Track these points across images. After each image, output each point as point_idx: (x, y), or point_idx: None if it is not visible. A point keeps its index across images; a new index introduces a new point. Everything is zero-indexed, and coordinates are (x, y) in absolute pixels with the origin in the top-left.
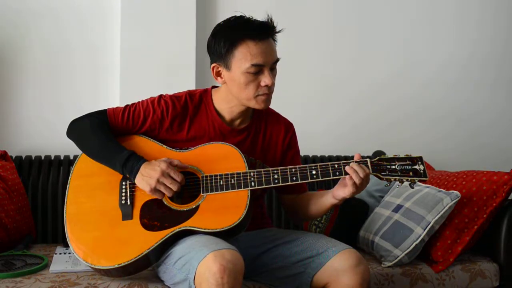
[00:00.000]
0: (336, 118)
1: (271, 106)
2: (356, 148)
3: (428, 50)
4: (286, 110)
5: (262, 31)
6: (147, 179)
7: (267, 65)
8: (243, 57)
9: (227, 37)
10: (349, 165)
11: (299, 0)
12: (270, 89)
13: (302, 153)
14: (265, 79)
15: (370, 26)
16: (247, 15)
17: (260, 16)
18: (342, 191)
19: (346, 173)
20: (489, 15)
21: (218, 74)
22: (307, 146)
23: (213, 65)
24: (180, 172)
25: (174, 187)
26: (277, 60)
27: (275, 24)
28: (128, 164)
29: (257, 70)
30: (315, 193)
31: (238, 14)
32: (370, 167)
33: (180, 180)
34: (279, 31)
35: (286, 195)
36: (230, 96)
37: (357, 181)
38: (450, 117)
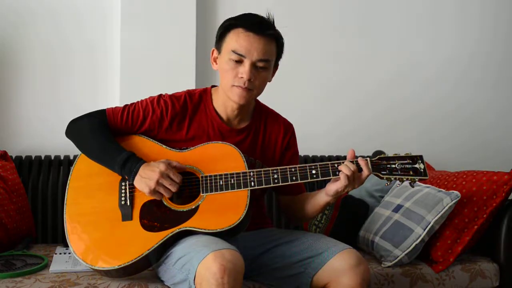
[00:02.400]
0: (336, 118)
1: (272, 106)
2: (356, 148)
3: (429, 51)
4: (287, 110)
5: (256, 25)
6: (146, 180)
7: (249, 58)
8: (230, 42)
9: (226, 23)
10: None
11: (301, 1)
12: (247, 84)
13: (302, 153)
14: (242, 71)
15: (371, 27)
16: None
17: None
18: (334, 185)
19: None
20: (490, 15)
21: (215, 59)
22: (307, 146)
23: (213, 49)
24: (179, 172)
25: (173, 188)
26: (264, 60)
27: (273, 23)
28: (127, 166)
29: (237, 59)
30: (310, 193)
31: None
32: (370, 166)
33: (179, 181)
34: (274, 30)
35: (284, 196)
36: (221, 89)
37: (348, 173)
38: (451, 117)
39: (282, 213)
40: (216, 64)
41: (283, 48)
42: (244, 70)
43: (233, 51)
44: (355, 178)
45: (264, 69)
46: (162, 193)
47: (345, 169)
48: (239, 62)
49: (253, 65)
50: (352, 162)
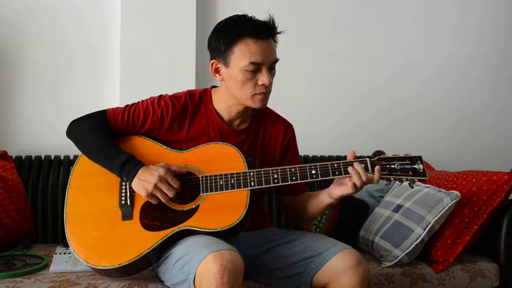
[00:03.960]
0: (336, 118)
1: (272, 106)
2: (356, 148)
3: (429, 50)
4: (287, 110)
5: (263, 30)
6: (144, 183)
7: (266, 64)
8: (242, 54)
9: (227, 34)
10: (352, 165)
11: (300, 0)
12: (267, 88)
13: (302, 153)
14: (262, 78)
15: (371, 27)
16: (249, 14)
17: (261, 16)
18: (339, 189)
19: (347, 173)
20: (489, 15)
21: (217, 71)
22: (307, 146)
23: (212, 61)
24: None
25: (170, 194)
26: (276, 60)
27: (276, 25)
28: (125, 168)
29: (255, 68)
30: (312, 193)
31: (240, 13)
32: (369, 167)
33: (177, 187)
34: (279, 32)
35: (285, 196)
36: (229, 95)
37: (358, 183)
38: (450, 117)
39: (283, 213)
40: (220, 75)
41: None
42: (264, 77)
43: (251, 63)
44: (362, 185)
45: (274, 68)
46: (158, 197)
47: (356, 178)
48: (255, 70)
49: (269, 69)
50: (364, 170)
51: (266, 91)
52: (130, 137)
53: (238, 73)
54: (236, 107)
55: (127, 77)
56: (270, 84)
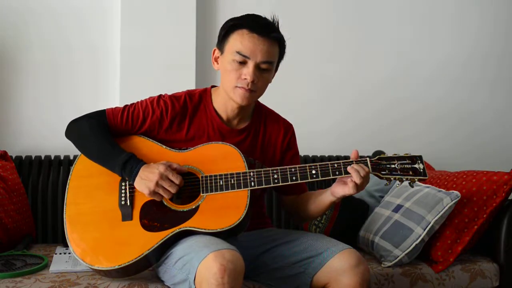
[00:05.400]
0: (336, 118)
1: (272, 106)
2: (356, 148)
3: (428, 50)
4: (287, 110)
5: (262, 27)
6: (146, 182)
7: (253, 59)
8: (234, 42)
9: (230, 23)
10: (350, 165)
11: (300, 0)
12: (250, 85)
13: (302, 153)
14: (245, 72)
15: (370, 26)
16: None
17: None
18: (341, 189)
19: (347, 173)
20: (488, 15)
21: (216, 59)
22: (307, 146)
23: (214, 48)
24: (179, 173)
25: (173, 190)
26: (268, 62)
27: (278, 27)
28: (127, 167)
29: (241, 60)
30: (314, 192)
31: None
32: (370, 166)
33: (179, 182)
34: (279, 36)
35: (286, 196)
36: (223, 92)
37: (358, 181)
38: (450, 116)
39: (287, 214)
40: (217, 64)
41: (285, 50)
42: (248, 71)
43: (238, 52)
44: (363, 182)
45: (267, 71)
46: (161, 195)
47: (356, 175)
48: (242, 63)
49: (257, 67)
50: (361, 167)
51: (248, 88)
52: (130, 137)
53: (227, 62)
54: (230, 103)
55: (127, 77)
56: (254, 83)
